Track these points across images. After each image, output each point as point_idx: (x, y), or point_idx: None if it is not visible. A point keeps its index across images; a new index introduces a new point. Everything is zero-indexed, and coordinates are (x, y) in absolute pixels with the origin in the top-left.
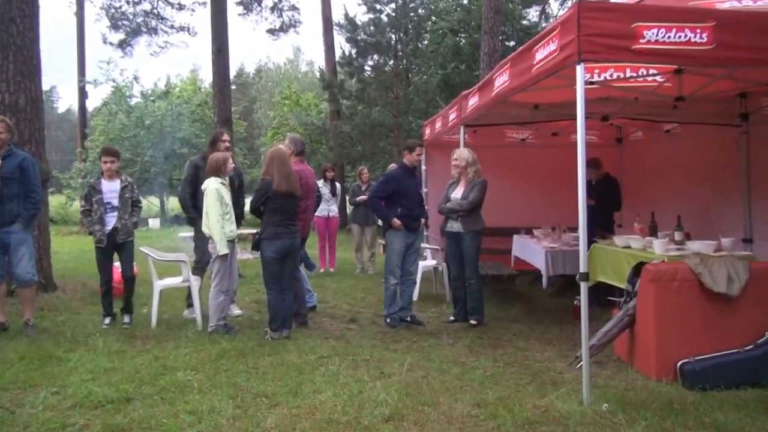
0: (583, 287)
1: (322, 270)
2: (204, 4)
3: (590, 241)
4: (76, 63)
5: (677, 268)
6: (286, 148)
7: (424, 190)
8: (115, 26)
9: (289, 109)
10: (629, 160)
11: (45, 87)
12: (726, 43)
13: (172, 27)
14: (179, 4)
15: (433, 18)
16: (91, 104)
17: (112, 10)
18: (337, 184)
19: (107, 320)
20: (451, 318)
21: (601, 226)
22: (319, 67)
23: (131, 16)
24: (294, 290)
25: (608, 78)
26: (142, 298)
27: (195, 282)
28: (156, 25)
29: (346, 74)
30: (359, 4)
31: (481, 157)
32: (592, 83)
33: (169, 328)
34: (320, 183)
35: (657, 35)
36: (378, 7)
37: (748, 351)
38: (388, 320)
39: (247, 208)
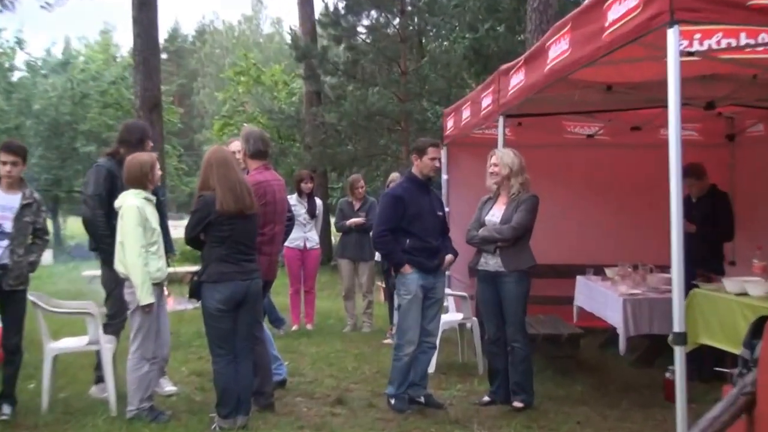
0: (679, 353)
1: (295, 327)
2: None
3: (689, 286)
4: None
5: None
6: (236, 147)
7: (446, 209)
8: None
9: (245, 89)
10: (745, 166)
11: None
12: None
13: None
14: None
15: None
16: None
17: None
18: (318, 201)
19: None
20: (486, 399)
21: (705, 263)
22: (291, 28)
23: None
24: (254, 358)
25: (714, 47)
26: (27, 368)
27: (107, 345)
28: None
29: (330, 38)
30: None
31: (529, 161)
32: (690, 54)
33: (69, 412)
34: (292, 199)
35: None
36: None
37: None
38: (393, 401)
39: (179, 235)
